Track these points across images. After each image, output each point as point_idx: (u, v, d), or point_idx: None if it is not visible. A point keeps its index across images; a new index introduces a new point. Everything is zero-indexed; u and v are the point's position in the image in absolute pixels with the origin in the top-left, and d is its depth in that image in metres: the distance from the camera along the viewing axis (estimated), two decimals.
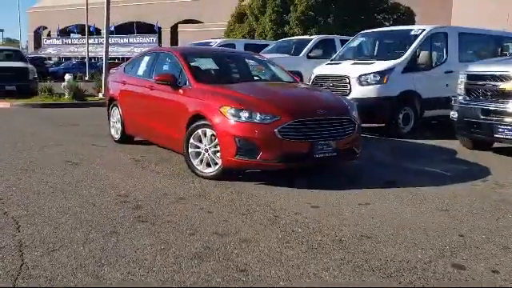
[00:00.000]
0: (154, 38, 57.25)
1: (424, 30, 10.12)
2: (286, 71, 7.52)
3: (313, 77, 10.37)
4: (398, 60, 9.65)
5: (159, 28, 57.96)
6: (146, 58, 7.84)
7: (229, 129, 5.51)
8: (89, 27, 41.10)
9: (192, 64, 6.77)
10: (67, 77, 17.11)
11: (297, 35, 23.15)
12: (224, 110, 5.58)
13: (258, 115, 5.45)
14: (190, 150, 6.03)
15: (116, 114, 8.37)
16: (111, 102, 8.55)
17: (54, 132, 9.68)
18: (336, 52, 13.78)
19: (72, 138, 8.95)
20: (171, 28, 58.97)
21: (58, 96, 16.53)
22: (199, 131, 5.92)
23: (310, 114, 5.59)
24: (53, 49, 65.96)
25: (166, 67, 7.32)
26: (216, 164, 5.82)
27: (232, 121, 5.50)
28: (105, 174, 6.11)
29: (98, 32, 58.75)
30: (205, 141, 5.89)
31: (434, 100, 9.92)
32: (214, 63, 7.15)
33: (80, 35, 61.85)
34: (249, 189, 5.49)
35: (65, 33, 65.60)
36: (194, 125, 5.96)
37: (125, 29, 59.82)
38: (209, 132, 5.82)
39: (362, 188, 5.61)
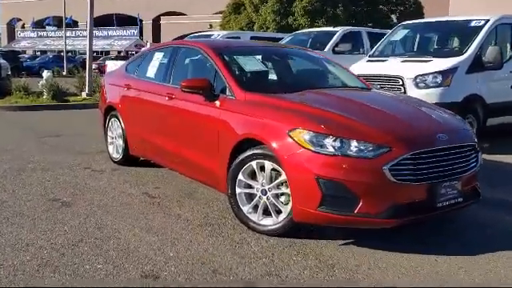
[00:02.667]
0: (135, 31, 54.83)
1: (488, 20, 8.32)
2: (352, 73, 5.64)
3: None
4: (462, 57, 7.83)
5: (140, 20, 55.46)
6: (159, 55, 5.86)
7: (307, 164, 3.61)
8: (66, 19, 38.75)
9: (232, 64, 4.84)
10: (45, 74, 14.90)
11: (302, 27, 21.23)
12: (298, 135, 3.69)
13: (355, 144, 3.56)
14: (237, 190, 4.13)
15: (116, 127, 6.41)
16: (109, 111, 6.58)
17: (33, 147, 7.66)
18: (363, 46, 12.03)
19: (57, 156, 6.96)
20: (153, 20, 56.56)
21: (36, 96, 14.32)
22: (253, 164, 4.02)
23: (429, 141, 3.73)
24: (27, 42, 63.00)
25: (190, 68, 5.39)
26: (279, 213, 3.94)
27: (312, 152, 3.61)
28: (112, 227, 4.18)
29: (75, 24, 56.19)
30: (262, 178, 4.00)
31: (499, 105, 8.16)
32: (259, 63, 5.19)
33: (56, 27, 58.91)
34: (339, 257, 3.61)
35: (40, 25, 62.58)
36: (246, 154, 4.05)
37: (104, 21, 57.07)
38: (268, 165, 3.93)
39: (505, 250, 3.79)
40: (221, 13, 34.83)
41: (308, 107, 4.03)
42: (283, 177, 3.84)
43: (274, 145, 3.82)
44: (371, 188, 3.49)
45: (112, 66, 24.12)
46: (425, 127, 3.94)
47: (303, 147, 3.64)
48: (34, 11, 61.67)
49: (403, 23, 9.89)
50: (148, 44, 35.02)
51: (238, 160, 4.10)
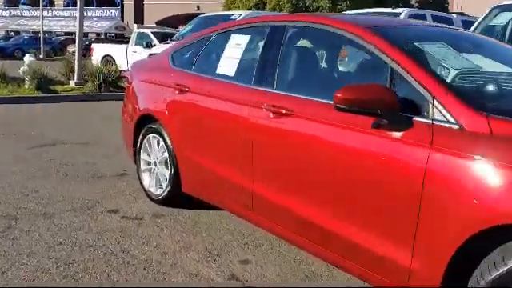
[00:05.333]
0: (115, 12, 51.70)
1: None
2: None
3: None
4: None
5: (121, 0, 52.39)
6: (242, 40, 3.57)
7: None
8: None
9: (425, 61, 2.62)
10: (28, 58, 12.33)
11: (322, 10, 18.92)
12: None
13: None
14: None
15: (157, 148, 4.20)
16: (145, 122, 4.33)
17: (23, 166, 5.36)
18: None
19: (62, 183, 4.73)
20: (135, 1, 53.39)
21: (17, 85, 11.82)
22: None
23: None
24: None
25: (319, 65, 3.17)
26: None
27: None
28: None
29: (51, 4, 53.04)
30: None
31: None
32: (463, 58, 2.92)
33: (31, 7, 55.32)
34: None
35: (13, 3, 58.81)
36: None
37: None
38: None
39: None
40: None
41: None
42: None
43: None
44: None
45: (98, 49, 21.67)
46: None
47: None
48: None
49: (501, 4, 7.75)
50: (135, 26, 32.14)
51: (502, 270, 1.92)
